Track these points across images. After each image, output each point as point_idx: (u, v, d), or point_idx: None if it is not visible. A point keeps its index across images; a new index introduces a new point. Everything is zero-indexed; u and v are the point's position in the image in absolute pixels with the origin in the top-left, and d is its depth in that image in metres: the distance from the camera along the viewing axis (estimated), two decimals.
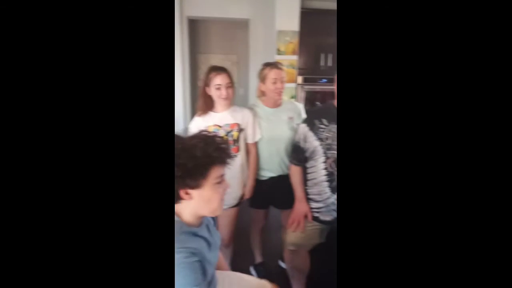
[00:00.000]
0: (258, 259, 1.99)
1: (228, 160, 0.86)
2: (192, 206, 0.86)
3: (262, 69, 1.65)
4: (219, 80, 1.53)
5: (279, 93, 1.63)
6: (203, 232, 0.92)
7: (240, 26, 3.92)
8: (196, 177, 0.81)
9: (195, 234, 0.88)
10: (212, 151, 0.82)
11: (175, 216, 0.87)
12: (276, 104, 1.67)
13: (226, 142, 0.88)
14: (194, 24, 3.95)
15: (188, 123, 1.98)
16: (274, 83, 1.60)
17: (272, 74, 1.61)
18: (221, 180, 0.86)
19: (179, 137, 0.85)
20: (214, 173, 0.83)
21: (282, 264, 2.00)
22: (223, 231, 1.68)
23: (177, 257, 0.79)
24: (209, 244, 0.93)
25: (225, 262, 1.25)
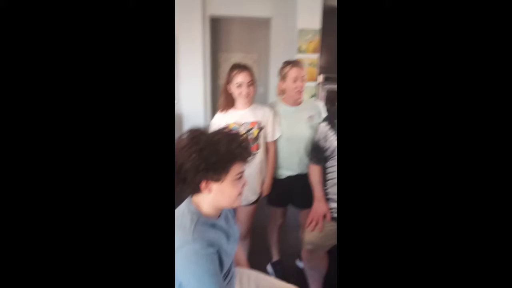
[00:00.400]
0: (276, 257, 1.99)
1: (249, 158, 0.89)
2: (212, 198, 0.89)
3: (283, 67, 1.65)
4: (240, 78, 1.54)
5: (299, 92, 1.62)
6: (221, 223, 0.95)
7: (262, 24, 3.92)
8: (218, 171, 0.84)
9: (213, 225, 0.91)
10: (235, 148, 0.85)
11: (194, 207, 0.90)
12: (296, 103, 1.67)
13: (247, 140, 0.91)
14: (216, 23, 3.99)
15: (209, 120, 2.00)
16: (294, 81, 1.60)
17: (292, 72, 1.60)
18: (240, 177, 0.89)
19: (205, 132, 0.88)
20: (235, 169, 0.86)
21: (300, 264, 2.00)
22: (241, 226, 1.69)
23: (194, 247, 0.81)
24: (227, 235, 0.95)
25: (244, 256, 1.25)
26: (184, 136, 0.88)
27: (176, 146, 0.86)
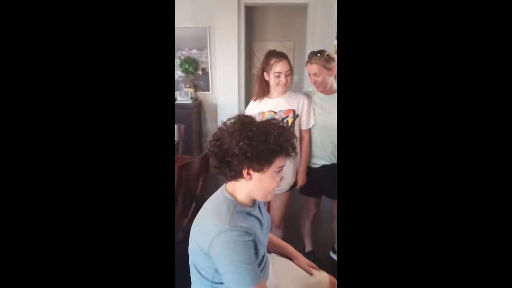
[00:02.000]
0: (308, 247, 1.97)
1: (292, 154, 0.89)
2: (248, 187, 0.89)
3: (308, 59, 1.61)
4: (279, 67, 1.50)
5: (319, 85, 1.57)
6: (256, 212, 0.95)
7: (298, 11, 3.82)
8: (262, 162, 0.84)
9: (249, 214, 0.91)
10: (283, 141, 0.85)
11: (229, 195, 0.91)
12: (331, 91, 1.61)
13: (295, 135, 0.91)
14: (250, 11, 3.95)
15: (243, 109, 2.00)
16: (315, 74, 1.55)
17: (308, 68, 1.57)
18: (280, 170, 0.88)
19: (255, 120, 0.88)
20: (278, 162, 0.86)
21: (334, 256, 1.96)
22: (274, 214, 1.69)
23: (232, 234, 0.81)
24: (261, 224, 0.95)
25: (285, 243, 1.22)
26: (231, 121, 0.88)
27: (223, 130, 0.87)
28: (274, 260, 1.15)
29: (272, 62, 1.51)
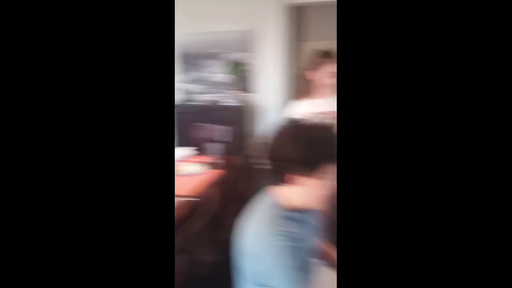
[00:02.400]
0: None
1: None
2: (293, 192, 0.88)
3: None
4: (333, 68, 1.46)
5: None
6: (301, 217, 0.94)
7: None
8: (307, 167, 0.82)
9: (293, 219, 0.90)
10: (329, 146, 0.82)
11: (273, 199, 0.91)
12: None
13: None
14: (294, 11, 3.93)
15: (283, 110, 2.00)
16: None
17: None
18: (326, 178, 0.86)
19: (303, 124, 0.89)
20: (324, 168, 0.83)
21: None
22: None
23: (273, 239, 0.82)
24: (306, 229, 0.94)
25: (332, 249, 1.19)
26: (279, 124, 0.88)
27: (271, 133, 0.87)
28: (320, 271, 1.13)
29: (324, 62, 1.47)
